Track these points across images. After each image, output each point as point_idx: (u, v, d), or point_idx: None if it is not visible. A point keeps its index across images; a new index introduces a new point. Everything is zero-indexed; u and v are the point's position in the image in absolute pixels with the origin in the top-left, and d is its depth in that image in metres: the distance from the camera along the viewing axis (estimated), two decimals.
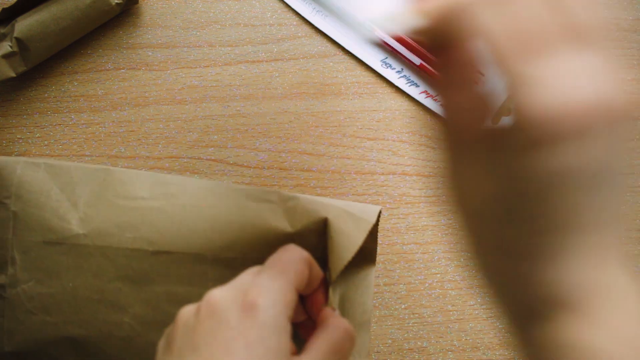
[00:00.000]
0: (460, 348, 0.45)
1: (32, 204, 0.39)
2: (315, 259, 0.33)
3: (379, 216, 0.37)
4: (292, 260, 0.30)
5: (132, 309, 0.38)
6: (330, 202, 0.37)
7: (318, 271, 0.32)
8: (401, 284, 0.45)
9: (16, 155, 0.44)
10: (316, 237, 0.36)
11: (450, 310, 0.46)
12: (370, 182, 0.46)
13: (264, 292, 0.27)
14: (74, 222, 0.38)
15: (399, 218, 0.46)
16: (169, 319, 0.38)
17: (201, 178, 0.39)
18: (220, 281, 0.37)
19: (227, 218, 0.37)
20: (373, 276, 0.40)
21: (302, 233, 0.36)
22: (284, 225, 0.37)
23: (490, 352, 0.46)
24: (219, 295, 0.28)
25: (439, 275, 0.46)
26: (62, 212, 0.38)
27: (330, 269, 0.34)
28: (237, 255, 0.37)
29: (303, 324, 0.33)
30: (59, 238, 0.38)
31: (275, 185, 0.45)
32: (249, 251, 0.37)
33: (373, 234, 0.39)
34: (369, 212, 0.37)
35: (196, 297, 0.37)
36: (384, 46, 0.45)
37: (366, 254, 0.39)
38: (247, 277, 0.29)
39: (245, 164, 0.45)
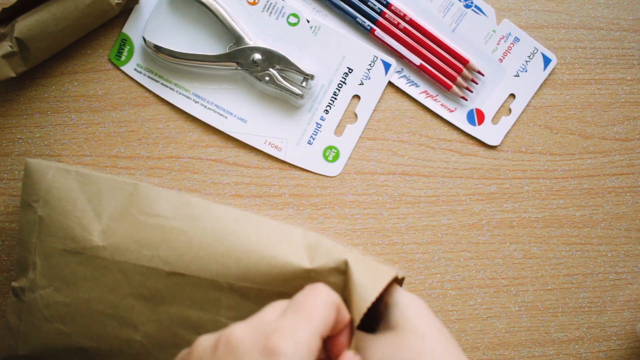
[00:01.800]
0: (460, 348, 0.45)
1: (58, 211, 0.38)
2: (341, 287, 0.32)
3: (397, 279, 0.36)
4: (320, 304, 0.28)
5: (144, 328, 0.38)
6: (352, 249, 0.37)
7: (345, 315, 0.30)
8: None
9: (16, 156, 0.44)
10: (336, 277, 0.35)
11: (450, 310, 0.46)
12: (370, 182, 0.46)
13: (288, 339, 0.25)
14: (95, 234, 0.38)
15: (399, 218, 0.46)
16: (180, 341, 0.37)
17: (226, 205, 0.39)
18: (233, 309, 0.36)
19: (247, 246, 0.36)
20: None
21: (321, 271, 0.35)
22: (303, 261, 0.36)
23: (490, 352, 0.46)
24: (240, 334, 0.26)
25: (439, 275, 0.46)
26: (85, 222, 0.38)
27: (352, 312, 0.32)
28: (253, 285, 0.36)
29: None
30: (79, 248, 0.38)
31: (275, 185, 0.45)
32: (265, 283, 0.36)
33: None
34: (388, 268, 0.36)
35: (208, 323, 0.37)
36: (383, 46, 0.45)
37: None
38: (271, 315, 0.28)
39: (245, 164, 0.45)
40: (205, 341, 0.27)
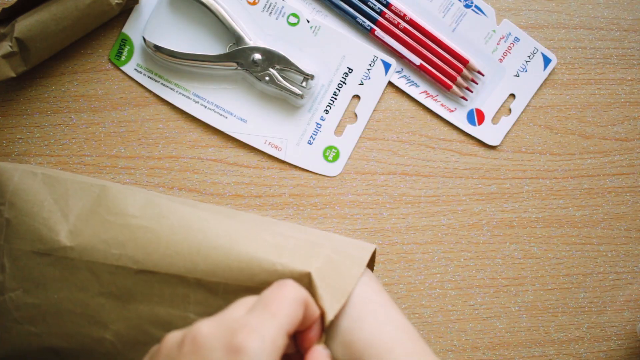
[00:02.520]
0: (460, 348, 0.45)
1: (25, 213, 0.38)
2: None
3: (374, 255, 0.37)
4: (288, 300, 0.28)
5: (114, 326, 0.38)
6: (320, 245, 0.37)
7: (314, 311, 0.31)
8: (401, 284, 0.45)
9: (16, 156, 0.44)
10: (305, 281, 0.35)
11: (450, 310, 0.46)
12: (370, 182, 0.46)
13: (253, 336, 0.25)
14: (63, 234, 0.38)
15: (399, 218, 0.46)
16: (149, 339, 0.37)
17: (193, 207, 0.39)
18: (202, 305, 0.36)
19: (214, 243, 0.36)
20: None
21: (287, 266, 0.35)
22: (270, 255, 0.36)
23: (490, 352, 0.46)
24: (206, 331, 0.26)
25: (439, 275, 0.46)
26: (52, 223, 0.38)
27: (321, 306, 0.33)
28: (221, 281, 0.36)
29: (290, 357, 0.31)
30: (47, 249, 0.38)
31: (275, 185, 0.45)
32: (232, 278, 0.36)
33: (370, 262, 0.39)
34: (363, 249, 0.37)
35: (177, 320, 0.37)
36: (383, 46, 0.45)
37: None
38: (238, 312, 0.28)
39: (245, 164, 0.45)
40: (172, 338, 0.27)
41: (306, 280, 0.34)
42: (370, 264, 0.39)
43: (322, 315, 0.32)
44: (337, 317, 0.32)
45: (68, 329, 0.38)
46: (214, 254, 0.36)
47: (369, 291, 0.35)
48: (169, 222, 0.37)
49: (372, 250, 0.38)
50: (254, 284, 0.35)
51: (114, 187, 0.39)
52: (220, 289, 0.36)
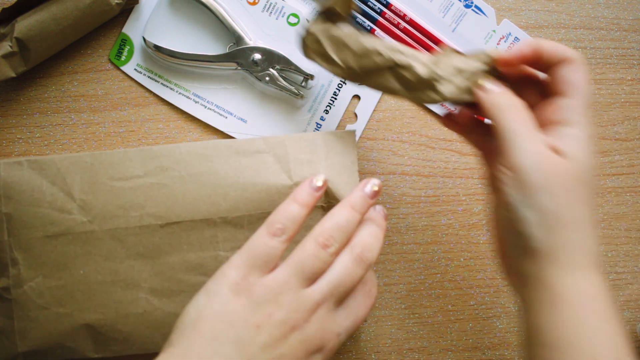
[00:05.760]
0: (460, 348, 0.45)
1: (26, 202, 0.38)
2: (323, 208, 0.38)
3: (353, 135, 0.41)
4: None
5: (147, 284, 0.39)
6: (310, 140, 0.40)
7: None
8: (401, 284, 0.45)
9: (16, 156, 0.44)
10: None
11: (450, 310, 0.46)
12: None
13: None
14: (75, 212, 0.39)
15: (399, 218, 0.46)
16: (185, 287, 0.39)
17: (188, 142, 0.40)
18: (229, 241, 0.39)
19: (227, 181, 0.39)
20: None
21: (300, 180, 0.38)
22: (283, 178, 0.39)
23: (490, 352, 0.46)
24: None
25: (439, 275, 0.46)
26: (59, 204, 0.39)
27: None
28: (244, 214, 0.39)
29: None
30: (62, 230, 0.38)
31: None
32: (254, 208, 0.39)
33: None
34: (346, 135, 0.41)
35: (209, 260, 0.39)
36: None
37: None
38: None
39: None
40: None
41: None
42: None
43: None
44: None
45: (100, 299, 0.39)
46: (232, 191, 0.39)
47: None
48: (174, 173, 0.39)
49: (353, 133, 0.41)
50: (274, 207, 0.36)
51: (103, 153, 0.40)
52: (245, 222, 0.39)
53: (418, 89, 0.35)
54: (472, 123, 0.37)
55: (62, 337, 0.39)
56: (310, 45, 0.36)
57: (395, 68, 0.35)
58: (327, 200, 0.39)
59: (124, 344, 0.39)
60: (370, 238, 0.34)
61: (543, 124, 0.32)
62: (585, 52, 0.47)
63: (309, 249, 0.32)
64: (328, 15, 0.36)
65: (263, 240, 0.32)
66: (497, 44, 0.46)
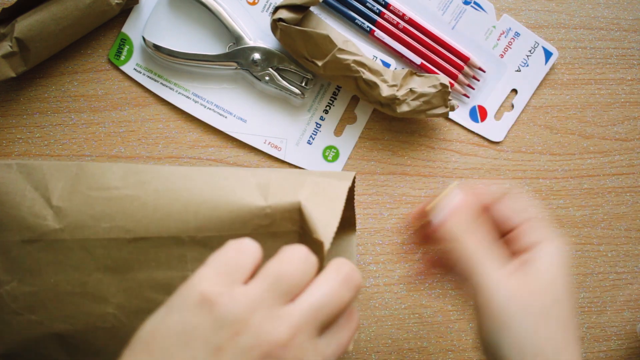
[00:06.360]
0: (460, 348, 0.45)
1: (8, 205, 0.38)
2: (299, 234, 0.35)
3: (354, 181, 0.38)
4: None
5: (115, 299, 0.38)
6: (303, 174, 0.38)
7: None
8: (401, 284, 0.45)
9: (16, 156, 0.44)
10: (295, 214, 0.36)
11: (450, 310, 0.46)
12: (371, 182, 0.46)
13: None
14: (50, 218, 0.38)
15: (399, 218, 0.45)
16: (152, 305, 0.37)
17: (174, 165, 0.39)
18: (198, 261, 0.37)
19: (200, 198, 0.37)
20: (355, 243, 0.41)
21: (276, 208, 0.36)
22: (258, 199, 0.36)
23: None
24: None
25: (439, 276, 0.46)
26: (37, 209, 0.38)
27: (319, 237, 0.33)
28: (214, 234, 0.36)
29: None
30: (36, 235, 0.38)
31: None
32: (224, 229, 0.36)
33: (350, 201, 0.40)
34: (345, 177, 0.38)
35: (177, 280, 0.37)
36: (384, 46, 0.45)
37: (346, 221, 0.40)
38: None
39: (245, 164, 0.45)
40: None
41: (297, 209, 0.35)
42: (351, 193, 0.40)
43: (321, 245, 0.33)
44: None
45: (69, 311, 0.38)
46: (203, 209, 0.36)
47: None
48: (151, 186, 0.38)
49: (353, 175, 0.39)
50: (246, 231, 0.35)
51: (90, 165, 0.39)
52: (214, 242, 0.36)
53: (377, 103, 0.43)
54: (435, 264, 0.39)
55: (34, 343, 0.39)
56: (281, 35, 0.39)
57: (359, 80, 0.41)
58: (301, 226, 0.37)
59: (95, 357, 0.39)
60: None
61: (512, 254, 0.33)
62: (585, 52, 0.47)
63: (287, 258, 0.27)
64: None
65: (237, 246, 0.28)
66: (498, 40, 0.46)
